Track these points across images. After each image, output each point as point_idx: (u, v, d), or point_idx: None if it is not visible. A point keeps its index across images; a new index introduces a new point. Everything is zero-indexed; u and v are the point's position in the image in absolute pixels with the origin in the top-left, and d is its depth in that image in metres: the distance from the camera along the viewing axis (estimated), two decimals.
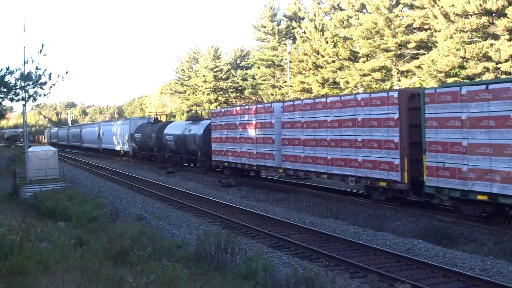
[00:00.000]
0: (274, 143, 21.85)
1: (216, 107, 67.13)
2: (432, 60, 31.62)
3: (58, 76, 11.81)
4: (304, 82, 47.22)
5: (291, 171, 21.14)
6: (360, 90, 39.78)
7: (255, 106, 24.24)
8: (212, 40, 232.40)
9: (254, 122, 23.50)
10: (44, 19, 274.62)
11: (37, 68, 11.53)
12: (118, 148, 49.33)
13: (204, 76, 70.11)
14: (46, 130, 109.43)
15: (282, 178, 25.91)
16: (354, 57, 41.61)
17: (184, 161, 34.05)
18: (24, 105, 22.96)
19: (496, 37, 28.50)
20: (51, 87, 11.95)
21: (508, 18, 26.68)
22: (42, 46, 11.06)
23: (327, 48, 43.44)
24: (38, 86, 11.78)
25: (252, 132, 23.65)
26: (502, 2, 26.78)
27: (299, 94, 48.63)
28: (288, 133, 20.95)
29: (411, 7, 36.67)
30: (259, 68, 57.56)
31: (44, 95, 11.99)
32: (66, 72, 11.94)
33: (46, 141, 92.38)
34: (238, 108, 25.87)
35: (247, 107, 25.33)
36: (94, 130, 58.92)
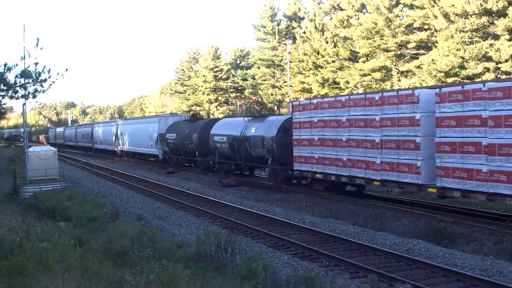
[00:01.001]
0: (420, 149, 14.71)
1: (216, 107, 67.08)
2: (432, 60, 31.64)
3: (58, 74, 11.76)
4: (304, 82, 47.25)
5: (457, 193, 13.70)
6: (360, 90, 39.81)
7: (380, 94, 16.62)
8: (212, 40, 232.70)
9: (378, 117, 16.26)
10: (44, 19, 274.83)
11: (36, 64, 11.48)
12: (143, 150, 41.40)
13: (204, 76, 70.13)
14: (50, 130, 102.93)
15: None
16: (354, 57, 41.62)
17: (244, 169, 27.16)
18: (24, 104, 22.96)
19: (496, 37, 28.51)
20: (51, 84, 11.90)
21: (508, 18, 26.69)
22: (38, 40, 11.01)
23: (327, 48, 43.45)
24: (38, 83, 11.73)
25: (372, 132, 16.47)
26: (503, 2, 26.79)
27: (299, 94, 48.68)
28: (453, 135, 13.68)
29: (411, 7, 36.70)
30: (259, 68, 57.57)
31: (43, 91, 11.93)
32: (66, 70, 11.90)
33: (45, 141, 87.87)
34: (344, 99, 18.24)
35: (363, 96, 17.70)
36: (110, 129, 51.37)
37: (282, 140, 21.83)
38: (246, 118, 26.13)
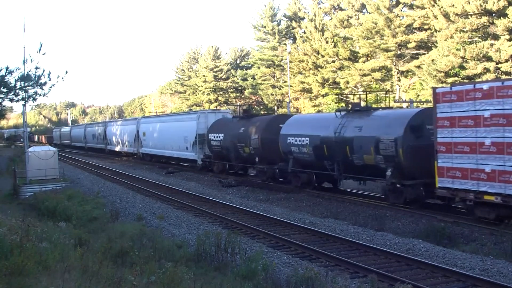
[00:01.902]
0: None
1: (217, 106, 67.04)
2: (432, 60, 31.64)
3: (58, 77, 11.81)
4: (304, 82, 47.26)
5: None
6: (360, 90, 39.83)
7: None
8: (212, 40, 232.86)
9: None
10: (44, 19, 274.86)
11: (36, 68, 11.52)
12: (175, 154, 34.35)
13: (204, 76, 70.13)
14: (55, 130, 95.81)
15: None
16: (354, 57, 41.63)
17: (339, 181, 21.01)
18: (24, 105, 22.96)
19: (496, 37, 28.51)
20: (50, 87, 11.94)
21: (508, 18, 26.69)
22: (41, 45, 11.06)
23: (327, 48, 43.46)
24: (38, 86, 11.77)
25: None
26: (503, 2, 26.79)
27: (299, 94, 48.71)
28: None
29: (411, 7, 36.70)
30: (259, 68, 57.59)
31: (44, 95, 11.98)
32: (66, 73, 11.93)
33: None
34: None
35: None
36: (130, 128, 44.42)
37: (412, 143, 15.88)
38: (339, 113, 19.75)
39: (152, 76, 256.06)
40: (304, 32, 49.67)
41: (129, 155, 45.57)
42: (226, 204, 18.57)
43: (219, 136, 27.55)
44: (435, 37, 32.48)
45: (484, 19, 28.02)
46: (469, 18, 28.40)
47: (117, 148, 48.60)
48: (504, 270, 9.80)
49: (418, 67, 34.35)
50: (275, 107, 56.18)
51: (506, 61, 27.61)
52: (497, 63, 28.07)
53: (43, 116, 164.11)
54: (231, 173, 27.74)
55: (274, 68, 55.69)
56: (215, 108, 50.17)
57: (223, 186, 24.23)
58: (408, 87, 38.47)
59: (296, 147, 21.04)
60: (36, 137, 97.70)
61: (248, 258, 9.68)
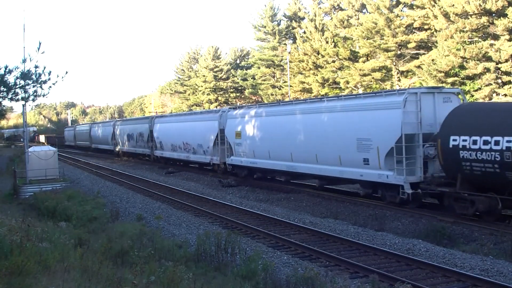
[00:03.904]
0: None
1: (216, 107, 67.05)
2: (432, 60, 31.64)
3: (58, 76, 11.82)
4: (304, 82, 47.25)
5: None
6: (360, 90, 39.83)
7: None
8: (212, 40, 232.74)
9: None
10: (44, 19, 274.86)
11: (36, 67, 11.53)
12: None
13: (204, 76, 70.14)
14: (67, 129, 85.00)
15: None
16: (354, 57, 41.63)
17: None
18: (24, 105, 22.97)
19: (496, 37, 28.51)
20: (50, 86, 11.95)
21: (508, 18, 26.69)
22: (40, 43, 11.07)
23: (327, 48, 43.46)
24: (38, 85, 11.78)
25: None
26: (502, 2, 26.79)
27: (299, 94, 48.69)
28: None
29: (411, 7, 36.70)
30: (259, 68, 57.59)
31: (44, 95, 11.99)
32: (66, 72, 11.95)
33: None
34: None
35: None
36: (208, 125, 28.50)
37: None
38: None
39: (152, 76, 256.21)
40: (304, 32, 49.67)
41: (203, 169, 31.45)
42: (226, 204, 18.57)
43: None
44: (435, 37, 32.48)
45: (484, 19, 28.02)
46: (469, 18, 28.41)
47: (195, 158, 30.89)
48: (504, 270, 9.80)
49: (418, 67, 34.36)
50: None
51: (506, 61, 27.62)
52: (497, 63, 28.08)
53: (43, 116, 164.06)
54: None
55: (274, 68, 55.69)
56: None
57: (223, 186, 24.21)
58: (408, 87, 38.47)
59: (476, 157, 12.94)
60: (41, 137, 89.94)
61: (248, 258, 9.68)
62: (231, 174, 26.03)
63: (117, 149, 48.76)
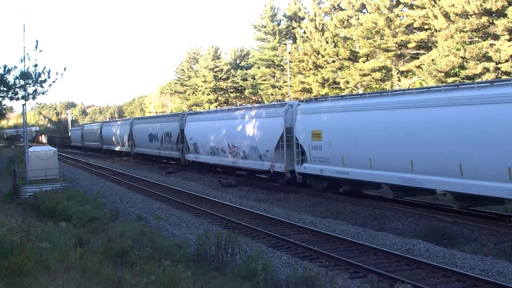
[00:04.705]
0: None
1: (216, 107, 67.08)
2: (432, 60, 31.64)
3: (57, 74, 11.86)
4: (304, 82, 47.25)
5: None
6: (360, 90, 39.82)
7: None
8: (212, 40, 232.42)
9: None
10: (44, 19, 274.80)
11: (35, 65, 11.57)
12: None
13: (204, 76, 70.14)
14: (73, 128, 78.15)
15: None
16: (354, 57, 41.63)
17: None
18: (24, 105, 23.00)
19: (496, 37, 28.51)
20: (50, 84, 12.01)
21: (508, 18, 26.69)
22: (37, 42, 11.12)
23: (327, 48, 43.46)
24: (38, 84, 11.82)
25: None
26: (502, 2, 26.79)
27: (299, 94, 48.69)
28: None
29: (411, 7, 36.69)
30: (259, 68, 57.60)
31: (43, 93, 12.03)
32: (65, 69, 11.99)
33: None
34: None
35: None
36: (270, 123, 22.65)
37: None
38: None
39: (152, 76, 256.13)
40: (304, 32, 49.67)
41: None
42: (226, 204, 18.57)
43: None
44: (435, 37, 32.47)
45: (484, 19, 28.02)
46: (469, 18, 28.40)
47: (247, 164, 24.90)
48: (504, 270, 9.80)
49: (418, 67, 34.35)
50: None
51: (506, 61, 27.61)
52: (497, 63, 28.07)
53: (43, 116, 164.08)
54: None
55: (274, 68, 55.69)
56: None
57: (223, 186, 24.21)
58: (408, 87, 38.49)
59: None
60: (45, 138, 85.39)
61: (248, 258, 9.69)
62: (302, 185, 20.78)
63: (134, 151, 42.93)
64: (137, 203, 19.76)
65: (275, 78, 56.34)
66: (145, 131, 39.59)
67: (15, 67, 11.55)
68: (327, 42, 44.28)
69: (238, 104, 66.71)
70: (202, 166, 30.49)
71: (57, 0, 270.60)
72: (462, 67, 29.72)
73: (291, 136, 20.91)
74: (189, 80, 76.32)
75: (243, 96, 66.93)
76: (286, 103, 22.38)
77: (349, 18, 44.35)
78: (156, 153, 37.81)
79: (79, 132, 66.48)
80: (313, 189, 20.06)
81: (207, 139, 28.58)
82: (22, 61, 11.38)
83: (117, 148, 48.66)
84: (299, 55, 47.41)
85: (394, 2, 37.30)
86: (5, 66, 11.53)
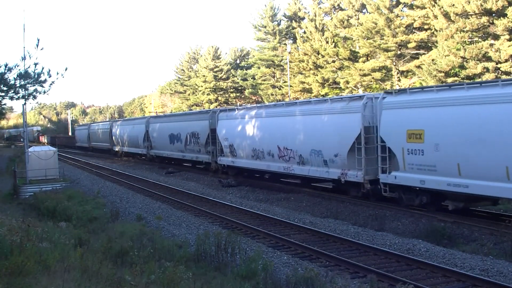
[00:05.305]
0: None
1: (217, 107, 67.07)
2: (432, 60, 31.63)
3: (58, 73, 11.88)
4: (304, 82, 47.26)
5: None
6: (360, 91, 39.82)
7: None
8: (212, 40, 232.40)
9: None
10: (44, 19, 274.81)
11: (35, 64, 11.58)
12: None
13: (204, 76, 70.15)
14: (79, 127, 72.36)
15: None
16: (354, 57, 41.63)
17: None
18: (24, 104, 23.00)
19: (496, 37, 28.51)
20: (51, 84, 12.03)
21: (508, 18, 26.69)
22: (38, 40, 11.14)
23: (327, 48, 43.46)
24: (38, 84, 11.84)
25: None
26: (502, 2, 26.79)
27: (299, 94, 48.70)
28: None
29: (411, 7, 36.69)
30: (259, 68, 57.60)
31: (44, 92, 12.05)
32: (66, 69, 12.01)
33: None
34: None
35: None
36: (340, 121, 18.26)
37: None
38: None
39: (152, 76, 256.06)
40: (304, 32, 49.67)
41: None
42: (226, 204, 18.57)
43: None
44: (435, 37, 32.47)
45: (484, 19, 28.01)
46: (469, 18, 28.40)
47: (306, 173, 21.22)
48: (504, 270, 9.80)
49: (418, 67, 34.35)
50: None
51: (506, 61, 27.61)
52: (496, 63, 28.07)
53: (43, 116, 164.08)
54: None
55: (274, 68, 55.70)
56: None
57: (223, 186, 24.21)
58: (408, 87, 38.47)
59: None
60: (48, 138, 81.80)
61: (248, 258, 9.69)
62: (390, 199, 16.78)
63: (151, 154, 38.82)
64: (137, 203, 19.76)
65: (275, 78, 56.34)
66: (165, 131, 35.30)
67: (16, 65, 11.59)
68: (327, 42, 44.27)
69: (238, 104, 66.58)
70: (239, 171, 26.22)
71: (57, 0, 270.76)
72: (462, 67, 29.71)
73: (371, 137, 16.82)
74: (189, 80, 76.32)
75: (243, 96, 66.93)
76: (364, 96, 18.14)
77: (349, 18, 44.35)
78: (180, 156, 33.13)
79: (85, 132, 60.71)
80: (403, 204, 15.91)
81: (247, 140, 24.23)
82: (23, 59, 11.42)
83: (130, 150, 44.16)
84: (299, 55, 47.41)
85: (394, 2, 37.29)
86: (6, 65, 11.56)
